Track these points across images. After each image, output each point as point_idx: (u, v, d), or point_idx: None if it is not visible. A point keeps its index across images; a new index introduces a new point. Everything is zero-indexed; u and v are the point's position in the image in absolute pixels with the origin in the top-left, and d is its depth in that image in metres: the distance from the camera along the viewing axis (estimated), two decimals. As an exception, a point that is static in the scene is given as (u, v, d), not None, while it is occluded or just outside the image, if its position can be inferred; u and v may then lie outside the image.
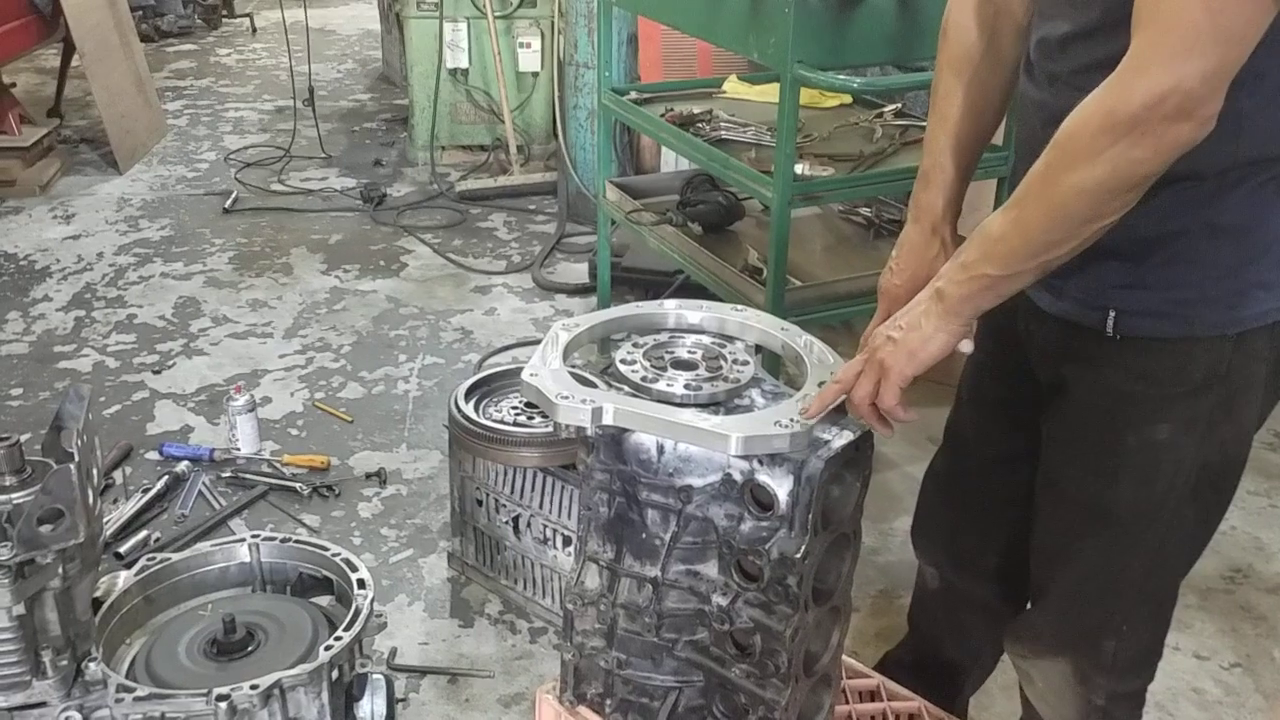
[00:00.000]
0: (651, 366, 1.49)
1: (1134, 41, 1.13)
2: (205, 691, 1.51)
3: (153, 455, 3.09)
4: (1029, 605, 1.72)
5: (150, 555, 1.81)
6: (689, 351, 1.55)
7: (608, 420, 1.40)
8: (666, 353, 1.54)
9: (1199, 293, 1.34)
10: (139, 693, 1.53)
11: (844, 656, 1.74)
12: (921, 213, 1.60)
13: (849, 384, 1.41)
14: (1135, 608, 1.57)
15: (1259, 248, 1.33)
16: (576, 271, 4.31)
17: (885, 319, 1.47)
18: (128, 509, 2.79)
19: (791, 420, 1.36)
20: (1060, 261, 1.27)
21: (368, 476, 3.00)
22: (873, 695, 1.89)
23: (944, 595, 1.92)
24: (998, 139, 1.67)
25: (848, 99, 3.29)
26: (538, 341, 1.70)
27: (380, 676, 1.70)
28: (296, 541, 1.87)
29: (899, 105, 3.19)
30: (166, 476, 2.93)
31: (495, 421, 2.41)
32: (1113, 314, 1.39)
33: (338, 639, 1.62)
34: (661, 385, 1.45)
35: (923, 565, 1.96)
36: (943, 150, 1.58)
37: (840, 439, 1.38)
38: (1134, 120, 1.12)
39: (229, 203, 4.93)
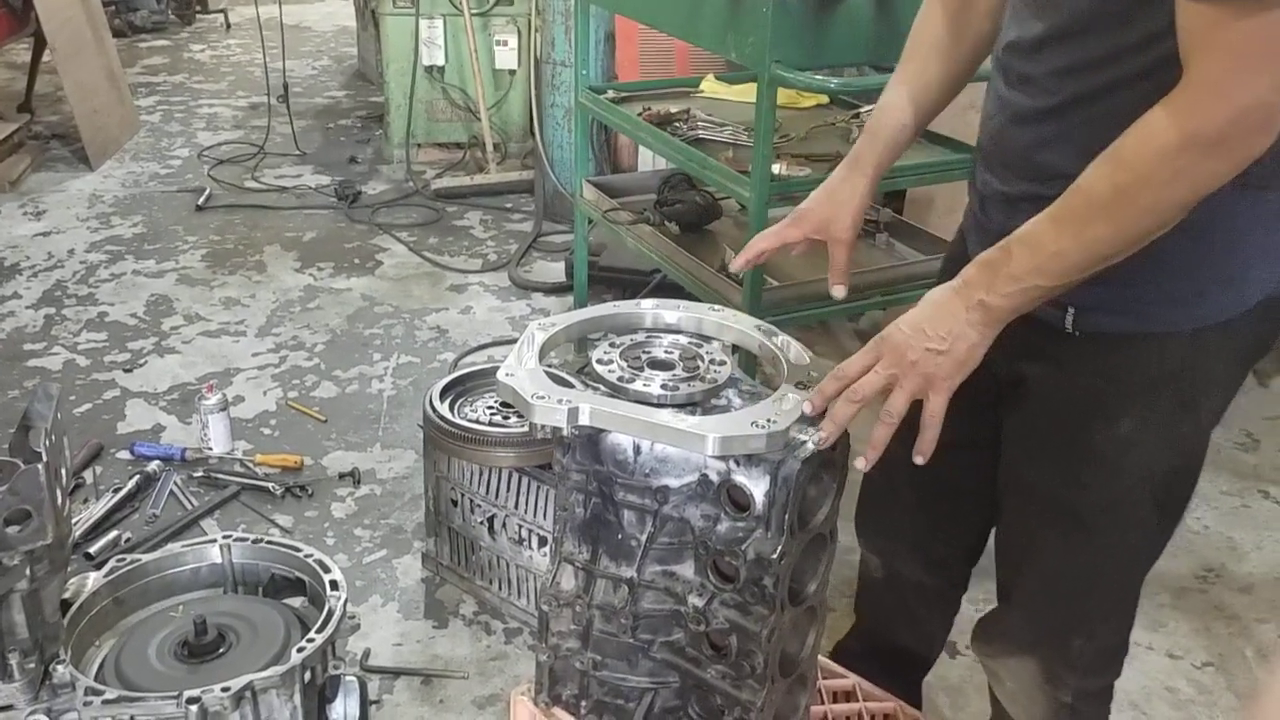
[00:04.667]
0: (628, 366, 1.49)
1: (1196, 65, 1.14)
2: (176, 694, 1.49)
3: (123, 454, 3.06)
4: (996, 603, 1.72)
5: (120, 556, 1.79)
6: (666, 351, 1.55)
7: (584, 420, 1.39)
8: (643, 352, 1.54)
9: (1157, 290, 1.35)
10: (108, 695, 1.50)
11: (820, 657, 1.74)
12: (851, 161, 1.64)
13: (852, 379, 1.39)
14: (1102, 605, 1.58)
15: (1219, 245, 1.33)
16: (553, 270, 4.30)
17: (788, 235, 1.63)
18: (98, 509, 2.76)
19: (768, 421, 1.35)
20: None
21: (341, 476, 2.98)
22: (848, 695, 1.89)
23: (889, 583, 1.93)
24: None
25: (825, 99, 3.29)
26: (514, 341, 1.69)
27: (353, 678, 1.68)
28: (269, 542, 1.85)
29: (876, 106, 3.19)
30: (137, 476, 2.90)
31: (471, 421, 2.40)
32: (1072, 311, 1.40)
33: (310, 641, 1.60)
34: (638, 385, 1.45)
35: (866, 554, 1.96)
36: (888, 110, 1.63)
37: (816, 439, 1.38)
38: (1219, 138, 1.14)
39: (202, 200, 4.89)
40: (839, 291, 1.64)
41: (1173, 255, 1.31)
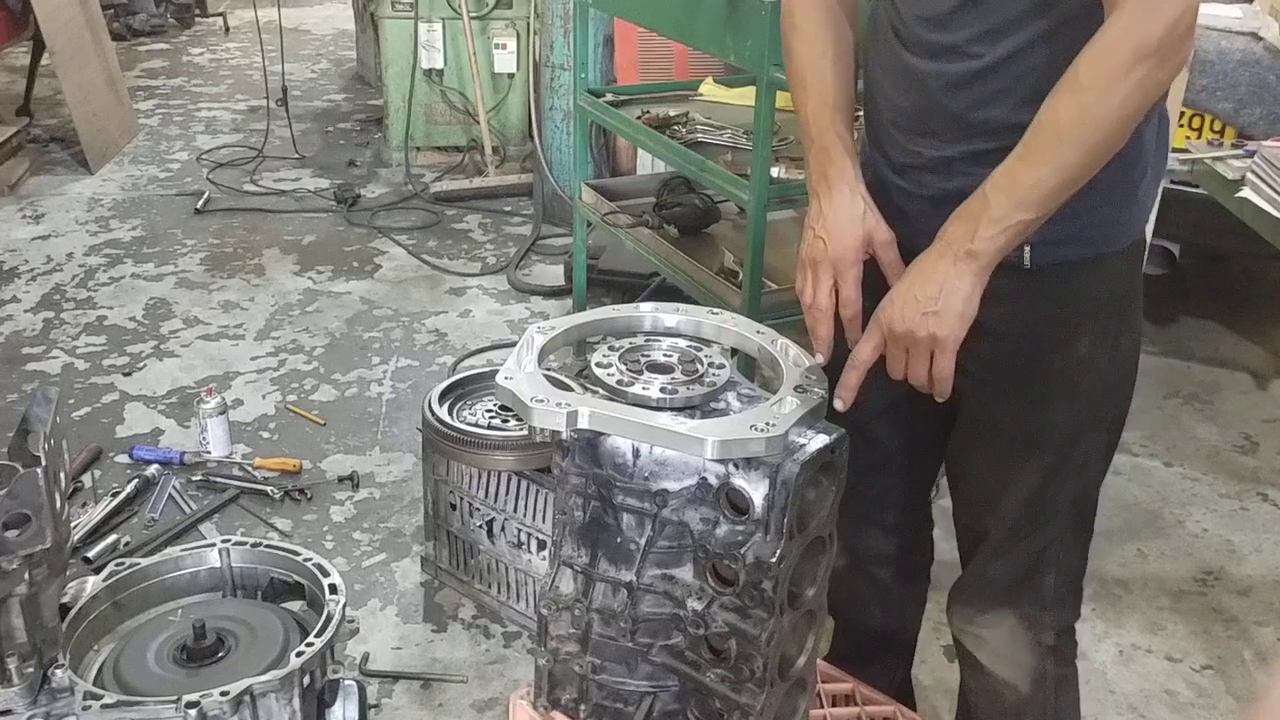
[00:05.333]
0: (627, 370, 1.49)
1: None
2: (175, 698, 1.49)
3: (122, 458, 3.06)
4: (962, 563, 1.74)
5: (119, 560, 1.79)
6: (665, 354, 1.55)
7: (583, 424, 1.39)
8: (642, 356, 1.54)
9: (1097, 214, 1.44)
10: (107, 700, 1.50)
11: (819, 660, 1.74)
12: (838, 179, 1.57)
13: (868, 363, 1.48)
14: (1066, 533, 1.64)
15: (1137, 163, 1.44)
16: (552, 273, 4.30)
17: (816, 285, 1.54)
18: (96, 513, 2.76)
19: (767, 424, 1.35)
20: None
21: (340, 480, 2.98)
22: (848, 699, 1.89)
23: (853, 565, 1.90)
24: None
25: (823, 102, 3.29)
26: (513, 344, 1.69)
27: (352, 682, 1.68)
28: (267, 546, 1.84)
29: (874, 109, 3.19)
30: (136, 480, 2.90)
31: (470, 424, 2.40)
32: (1029, 248, 1.45)
33: (309, 645, 1.60)
34: (637, 388, 1.44)
35: None
36: (831, 122, 1.60)
37: (815, 442, 1.38)
38: (1161, 45, 1.25)
39: (201, 203, 4.89)
40: None
41: (1107, 179, 1.37)
